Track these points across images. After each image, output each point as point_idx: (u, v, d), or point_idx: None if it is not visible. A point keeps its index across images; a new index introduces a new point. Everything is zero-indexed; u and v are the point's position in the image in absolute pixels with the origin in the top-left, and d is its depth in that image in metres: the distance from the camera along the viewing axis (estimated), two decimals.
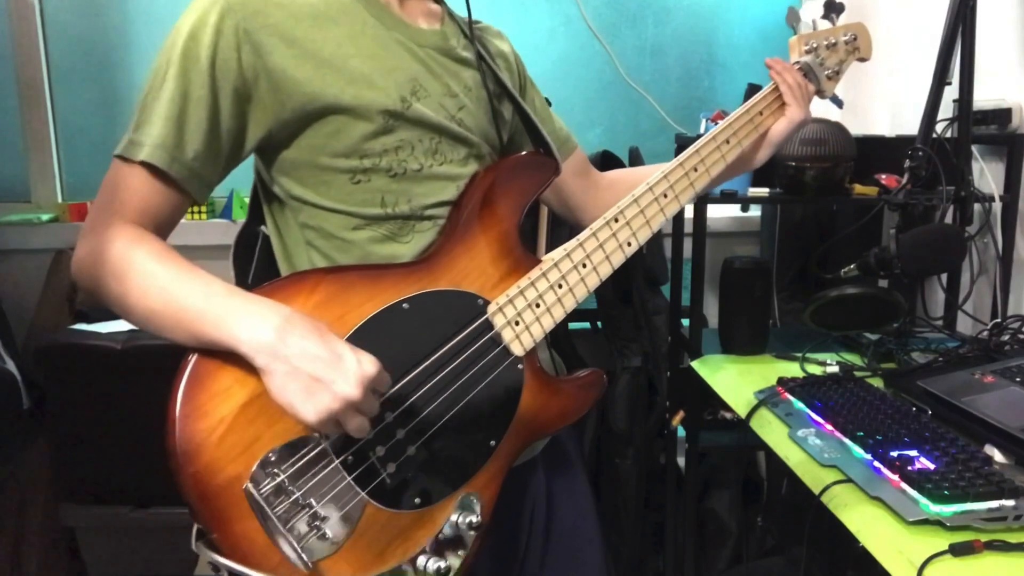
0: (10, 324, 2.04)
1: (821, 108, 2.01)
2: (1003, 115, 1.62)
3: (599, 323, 2.20)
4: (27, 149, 2.26)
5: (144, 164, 0.80)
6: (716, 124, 1.87)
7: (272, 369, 0.72)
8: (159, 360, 1.92)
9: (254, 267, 0.98)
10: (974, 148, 1.62)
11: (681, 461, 1.93)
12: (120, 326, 1.94)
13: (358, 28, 0.87)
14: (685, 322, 1.87)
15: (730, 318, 1.68)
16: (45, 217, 2.19)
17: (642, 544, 2.10)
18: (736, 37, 2.43)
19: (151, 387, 2.06)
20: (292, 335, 0.72)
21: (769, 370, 1.51)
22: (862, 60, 1.22)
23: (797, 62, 1.15)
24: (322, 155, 0.85)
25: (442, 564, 0.80)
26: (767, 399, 1.33)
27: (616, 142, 2.23)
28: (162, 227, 0.83)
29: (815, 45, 1.16)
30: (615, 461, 2.06)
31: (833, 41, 1.17)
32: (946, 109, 1.54)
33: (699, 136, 1.78)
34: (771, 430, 1.24)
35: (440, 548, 0.82)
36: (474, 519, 0.83)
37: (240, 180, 2.09)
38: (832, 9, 1.18)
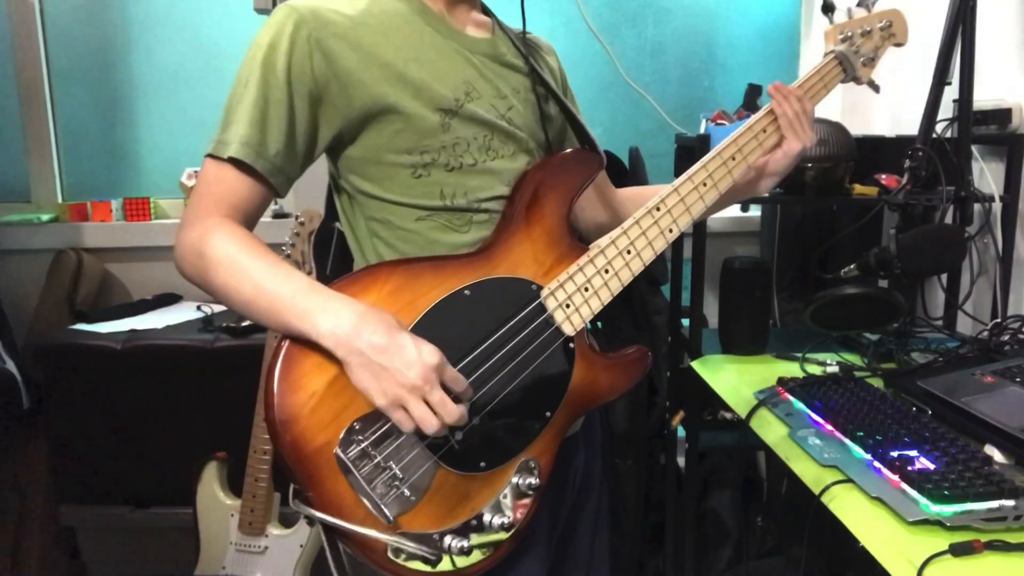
0: (10, 324, 2.04)
1: (824, 108, 2.00)
2: (1003, 115, 1.62)
3: (599, 323, 2.20)
4: (27, 149, 2.26)
5: (232, 161, 0.89)
6: (716, 124, 1.88)
7: (349, 360, 0.81)
8: (159, 360, 1.93)
9: (331, 260, 1.11)
10: (974, 148, 1.62)
11: (681, 461, 1.93)
12: (120, 326, 1.94)
13: (416, 37, 0.96)
14: (685, 322, 1.87)
15: (730, 318, 1.68)
16: (45, 217, 2.19)
17: (642, 544, 2.10)
18: (736, 37, 2.43)
19: (151, 387, 2.07)
20: (365, 330, 0.81)
21: (769, 370, 1.52)
22: (898, 45, 1.22)
23: (832, 51, 1.15)
24: (386, 152, 0.95)
25: (505, 520, 0.90)
26: (767, 399, 1.33)
27: (616, 142, 2.23)
28: (250, 218, 0.93)
29: (850, 34, 1.16)
30: (615, 461, 2.06)
31: (868, 28, 1.17)
32: (946, 109, 1.54)
33: (699, 136, 1.79)
34: (771, 430, 1.24)
35: (504, 506, 0.92)
36: (533, 481, 0.92)
37: None
38: None
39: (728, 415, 1.85)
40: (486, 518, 0.90)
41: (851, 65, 1.15)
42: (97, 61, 2.27)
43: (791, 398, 1.32)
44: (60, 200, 2.28)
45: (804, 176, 1.66)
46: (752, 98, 1.99)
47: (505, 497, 0.92)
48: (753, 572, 2.10)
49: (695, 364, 1.66)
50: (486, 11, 1.08)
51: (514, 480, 0.92)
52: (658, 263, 2.11)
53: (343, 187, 1.00)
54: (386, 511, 0.83)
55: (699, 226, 1.73)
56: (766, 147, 1.09)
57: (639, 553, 2.09)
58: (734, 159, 1.06)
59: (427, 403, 0.81)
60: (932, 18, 1.58)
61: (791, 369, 1.50)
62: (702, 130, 1.91)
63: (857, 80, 1.18)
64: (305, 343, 0.83)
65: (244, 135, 0.89)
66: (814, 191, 1.68)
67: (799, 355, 1.55)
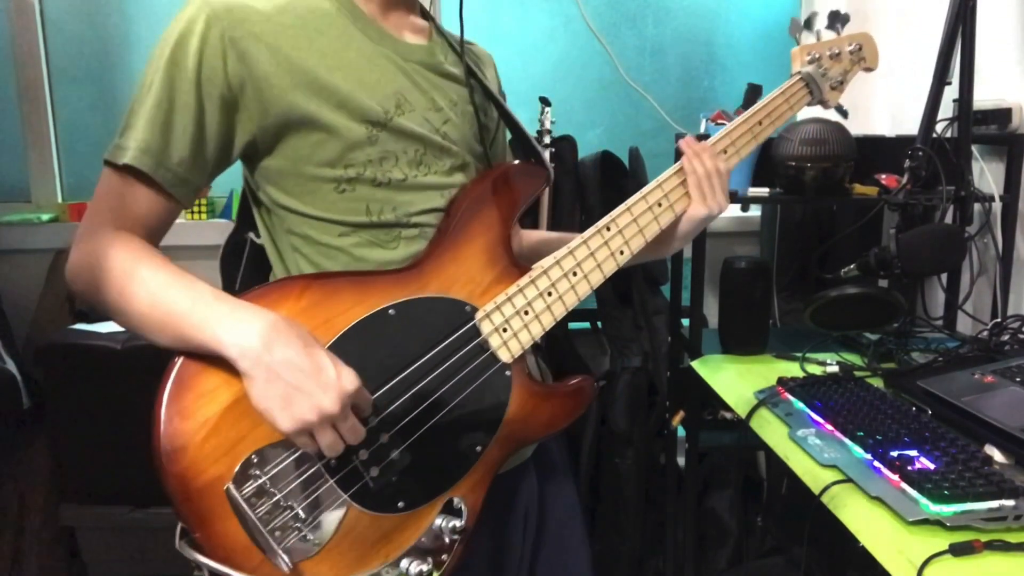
0: (10, 324, 2.04)
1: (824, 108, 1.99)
2: (1003, 115, 1.62)
3: (599, 323, 2.20)
4: (27, 149, 2.26)
5: (129, 169, 0.81)
6: (716, 124, 1.88)
7: (254, 375, 0.72)
8: (159, 360, 1.92)
9: (241, 274, 1.01)
10: (974, 148, 1.62)
11: (681, 461, 1.93)
12: (120, 326, 1.94)
13: (343, 41, 0.88)
14: (685, 322, 1.87)
15: (730, 318, 1.68)
16: (45, 217, 2.19)
17: (642, 544, 2.10)
18: (736, 37, 2.43)
19: (151, 387, 2.06)
20: (277, 342, 0.73)
21: (769, 370, 1.52)
22: (868, 70, 1.19)
23: (798, 72, 1.12)
24: (307, 164, 0.86)
25: (424, 568, 0.81)
26: (767, 399, 1.33)
27: (616, 142, 2.23)
28: (153, 232, 0.84)
29: (818, 55, 1.13)
30: (615, 461, 2.06)
31: (837, 51, 1.14)
32: (946, 109, 1.54)
33: (699, 136, 1.79)
34: (771, 430, 1.24)
35: (423, 552, 0.83)
36: (458, 524, 0.83)
37: (239, 180, 2.08)
38: (837, 19, 1.15)
39: (728, 415, 1.85)
40: (403, 565, 0.81)
41: (818, 88, 1.12)
42: (97, 61, 2.27)
43: (791, 398, 1.32)
44: (60, 200, 2.28)
45: (804, 176, 1.67)
46: (752, 98, 1.99)
47: (426, 542, 0.82)
48: (753, 572, 2.10)
49: (695, 364, 1.66)
50: (425, 15, 1.00)
51: (437, 522, 0.83)
52: (658, 263, 2.11)
53: (260, 199, 0.91)
54: (284, 557, 0.74)
55: None
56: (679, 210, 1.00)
57: (639, 553, 2.10)
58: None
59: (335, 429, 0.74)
60: (932, 18, 1.58)
61: (791, 369, 1.50)
62: (702, 130, 1.91)
63: (824, 104, 1.15)
64: (201, 362, 0.75)
65: (144, 141, 0.80)
66: (814, 191, 1.68)
67: (799, 355, 1.55)
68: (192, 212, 2.20)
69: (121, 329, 1.91)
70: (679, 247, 1.05)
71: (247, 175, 0.92)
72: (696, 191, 0.99)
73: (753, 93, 1.96)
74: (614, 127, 2.40)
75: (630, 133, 2.38)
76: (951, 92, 1.53)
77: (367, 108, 0.86)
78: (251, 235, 0.98)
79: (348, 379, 0.73)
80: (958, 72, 1.52)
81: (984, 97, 1.61)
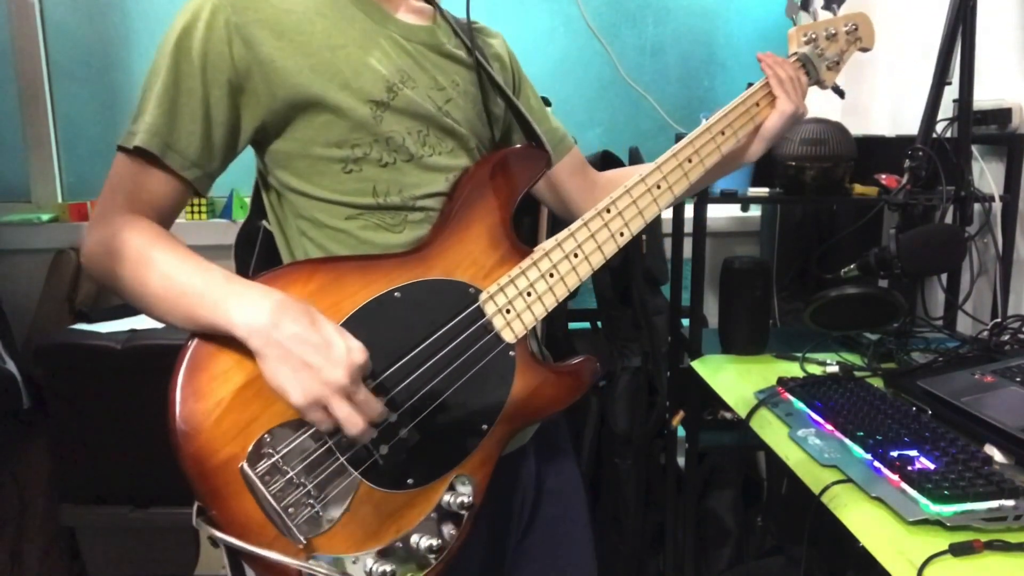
0: (10, 324, 2.04)
1: (824, 108, 2.00)
2: (1003, 115, 1.62)
3: (599, 323, 2.20)
4: (27, 149, 2.26)
5: (139, 151, 0.83)
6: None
7: (265, 352, 0.74)
8: (159, 360, 1.91)
9: (254, 261, 1.03)
10: (974, 148, 1.62)
11: (681, 461, 1.93)
12: (120, 326, 1.94)
13: (346, 23, 0.90)
14: (685, 322, 1.87)
15: (730, 318, 1.68)
16: (45, 217, 2.19)
17: (642, 544, 2.10)
18: (736, 37, 2.43)
19: (151, 387, 2.05)
20: (285, 319, 0.74)
21: (769, 370, 1.52)
22: (864, 50, 1.19)
23: (795, 53, 1.13)
24: (315, 146, 0.88)
25: (434, 542, 0.83)
26: (767, 399, 1.33)
27: (616, 142, 2.23)
28: (164, 215, 0.86)
29: (814, 36, 1.14)
30: (615, 461, 2.06)
31: (833, 31, 1.15)
32: (946, 109, 1.54)
33: None
34: (771, 430, 1.24)
35: (432, 527, 0.85)
36: (466, 499, 0.86)
37: (240, 179, 2.07)
38: (833, 0, 1.16)
39: (728, 415, 1.85)
40: (413, 540, 0.83)
41: (815, 68, 1.13)
42: (97, 61, 2.27)
43: (791, 398, 1.32)
44: (60, 200, 2.28)
45: (804, 176, 1.67)
46: None
47: (435, 517, 0.84)
48: (753, 572, 2.10)
49: (695, 364, 1.66)
50: None
51: (445, 498, 0.85)
52: (658, 263, 2.11)
53: (271, 184, 0.93)
54: (297, 532, 0.76)
55: (699, 226, 1.73)
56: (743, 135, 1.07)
57: (639, 553, 2.09)
58: (691, 161, 1.03)
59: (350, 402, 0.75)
60: (932, 18, 1.58)
61: (791, 369, 1.50)
62: None
63: (821, 84, 1.16)
64: (214, 344, 0.77)
65: (151, 124, 0.83)
66: (814, 191, 1.68)
67: (799, 355, 1.55)
68: (192, 212, 2.20)
69: (121, 329, 1.92)
70: (761, 151, 1.11)
71: (259, 163, 0.94)
72: (780, 89, 1.07)
73: None
74: (614, 127, 2.40)
75: (630, 133, 2.38)
76: (951, 92, 1.53)
77: (371, 87, 0.88)
78: (264, 223, 1.01)
79: (357, 351, 0.75)
80: (958, 72, 1.52)
81: (984, 97, 1.61)
